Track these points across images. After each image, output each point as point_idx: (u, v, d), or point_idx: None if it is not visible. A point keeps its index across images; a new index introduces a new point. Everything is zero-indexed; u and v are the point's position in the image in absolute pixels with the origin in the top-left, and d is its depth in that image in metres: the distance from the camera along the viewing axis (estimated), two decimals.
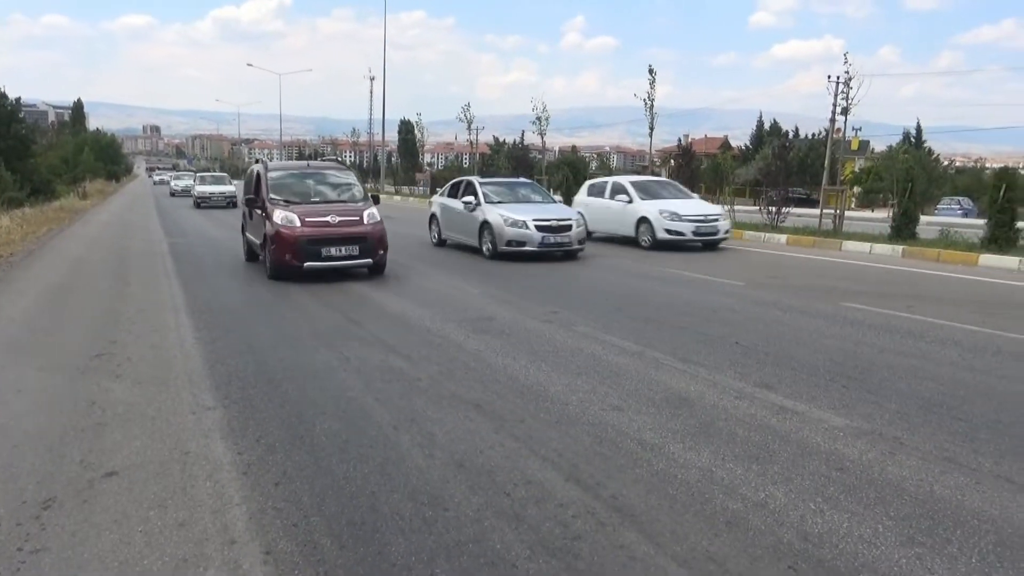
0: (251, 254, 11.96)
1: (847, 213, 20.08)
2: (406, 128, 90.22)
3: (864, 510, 3.34)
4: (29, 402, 4.85)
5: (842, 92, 19.56)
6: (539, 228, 12.59)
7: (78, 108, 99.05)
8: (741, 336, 6.87)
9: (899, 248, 15.15)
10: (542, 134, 31.89)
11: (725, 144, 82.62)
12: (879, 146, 64.73)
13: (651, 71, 24.44)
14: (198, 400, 4.85)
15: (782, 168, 20.69)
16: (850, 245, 16.21)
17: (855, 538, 3.08)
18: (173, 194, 43.04)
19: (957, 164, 77.25)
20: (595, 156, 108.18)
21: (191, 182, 45.34)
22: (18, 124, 42.67)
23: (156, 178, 55.17)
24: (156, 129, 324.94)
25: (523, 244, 12.57)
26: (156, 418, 4.49)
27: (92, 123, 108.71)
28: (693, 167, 24.11)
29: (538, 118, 31.28)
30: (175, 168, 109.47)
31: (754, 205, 34.96)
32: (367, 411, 4.66)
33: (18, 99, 44.29)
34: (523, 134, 75.07)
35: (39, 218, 22.13)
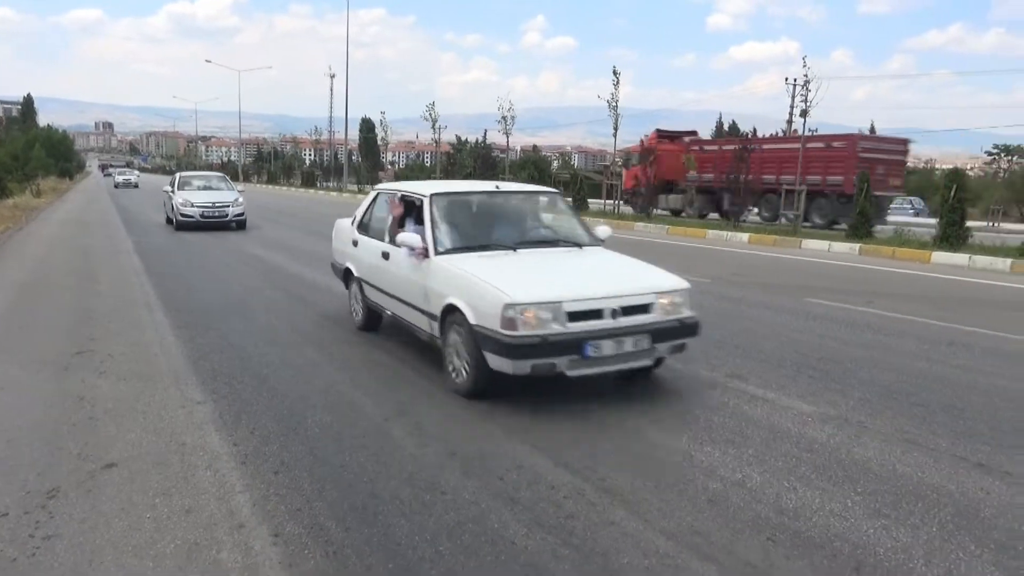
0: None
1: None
2: (367, 126, 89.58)
3: (834, 487, 3.59)
4: (16, 399, 4.87)
5: (800, 94, 19.99)
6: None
7: (28, 103, 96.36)
8: (710, 330, 7.11)
9: (856, 246, 15.67)
10: (507, 133, 32.01)
11: None
12: None
13: (615, 72, 24.72)
14: (186, 395, 4.92)
15: (743, 168, 21.12)
16: (810, 243, 16.70)
17: (827, 512, 3.32)
18: (116, 186, 51.54)
19: (909, 165, 79.40)
20: (558, 155, 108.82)
21: (132, 177, 56.07)
22: None
23: (120, 179, 55.54)
24: (109, 126, 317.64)
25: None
26: (147, 412, 4.56)
27: (43, 119, 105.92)
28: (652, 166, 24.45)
29: (503, 117, 31.38)
30: (129, 165, 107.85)
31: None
32: (357, 404, 4.79)
33: None
34: (485, 133, 75.25)
35: None
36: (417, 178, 46.32)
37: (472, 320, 4.63)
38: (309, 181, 66.39)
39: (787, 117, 45.28)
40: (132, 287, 9.36)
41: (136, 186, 52.17)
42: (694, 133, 30.75)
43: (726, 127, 76.90)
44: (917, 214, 35.37)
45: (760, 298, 9.18)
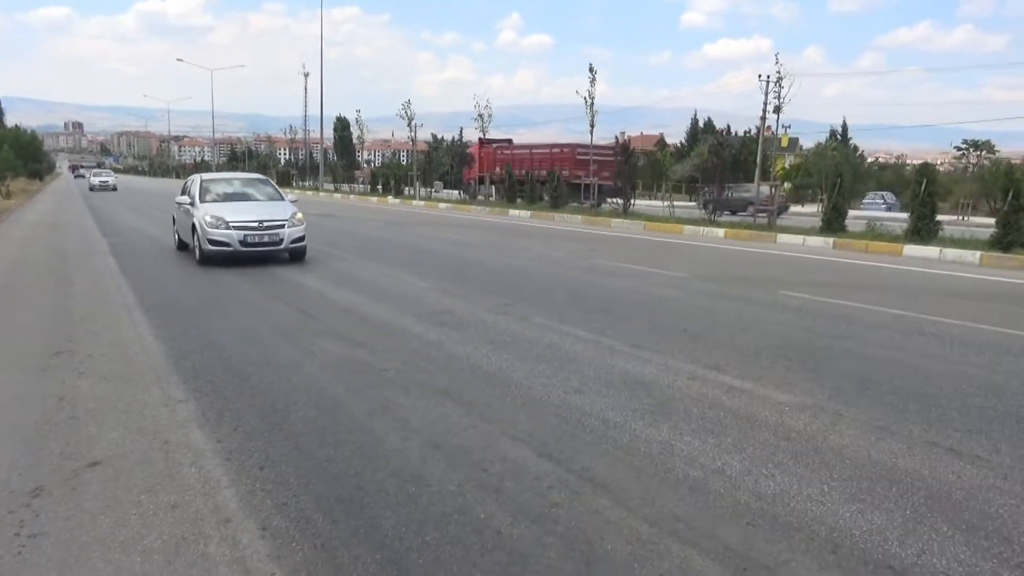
0: None
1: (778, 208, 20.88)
2: (342, 125, 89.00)
3: (811, 473, 3.67)
4: None
5: (773, 91, 20.26)
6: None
7: None
8: (689, 324, 7.23)
9: (830, 240, 15.91)
10: (484, 131, 32.04)
11: (661, 141, 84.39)
12: (806, 143, 67.04)
13: (591, 69, 24.88)
14: (168, 394, 4.90)
15: (718, 165, 21.38)
16: (784, 238, 16.92)
17: (804, 497, 3.40)
18: (92, 188, 48.62)
19: (880, 161, 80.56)
20: None
21: (109, 179, 52.50)
22: None
23: (96, 180, 51.61)
24: (79, 126, 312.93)
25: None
26: (129, 411, 4.55)
27: (10, 119, 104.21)
28: (632, 163, 24.64)
29: (480, 115, 31.41)
30: (100, 166, 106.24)
31: (690, 201, 35.92)
32: (338, 400, 4.81)
33: None
34: (461, 131, 75.10)
35: None
36: (394, 176, 46.10)
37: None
38: (285, 181, 65.92)
39: (760, 114, 45.64)
40: (108, 288, 9.28)
41: (114, 189, 49.34)
42: (509, 141, 41.47)
43: (701, 124, 77.39)
44: (889, 208, 35.94)
45: (736, 292, 9.30)
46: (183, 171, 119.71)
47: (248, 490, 3.44)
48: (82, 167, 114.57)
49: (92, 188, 48.73)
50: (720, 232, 18.49)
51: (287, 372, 5.44)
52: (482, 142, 38.45)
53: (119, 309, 7.84)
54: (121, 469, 3.68)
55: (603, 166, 30.15)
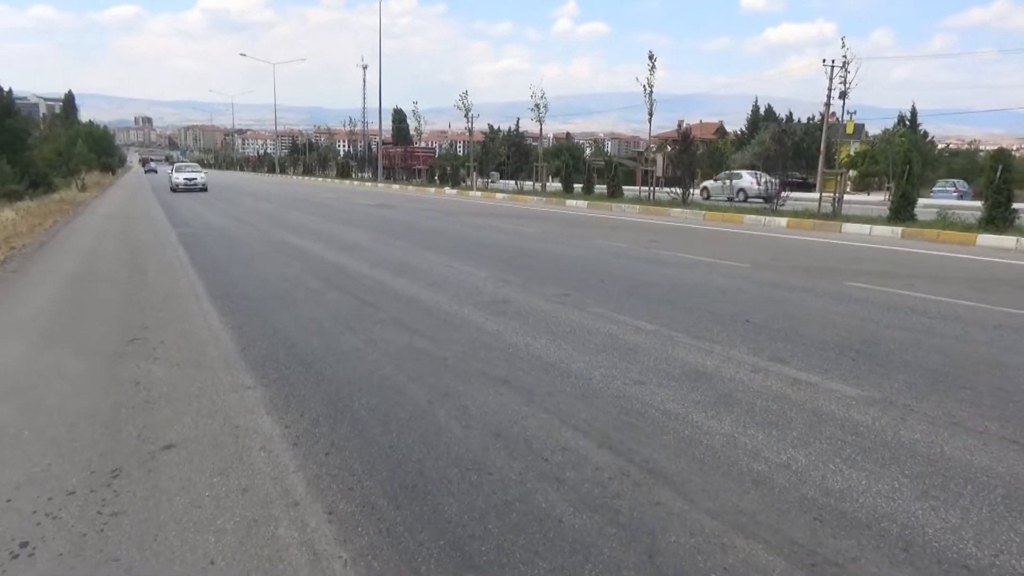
0: None
1: (844, 196, 20.31)
2: (399, 117, 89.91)
3: (880, 469, 3.58)
4: (74, 384, 5.06)
5: (839, 76, 19.65)
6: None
7: (69, 100, 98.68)
8: (751, 314, 7.10)
9: (898, 229, 15.41)
10: (540, 121, 31.98)
11: (720, 129, 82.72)
12: (872, 129, 65.01)
13: (651, 56, 24.55)
14: (237, 380, 5.06)
15: (781, 153, 20.89)
16: (850, 227, 16.46)
17: (874, 493, 3.32)
18: (175, 189, 36.48)
19: (951, 147, 77.57)
20: (592, 142, 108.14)
21: (198, 176, 38.34)
22: (13, 117, 42.64)
23: (180, 178, 37.75)
24: (148, 120, 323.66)
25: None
26: (200, 396, 4.70)
27: (83, 115, 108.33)
28: (691, 152, 24.23)
29: (536, 105, 31.35)
30: (168, 160, 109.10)
31: None
32: (400, 387, 4.88)
33: (10, 91, 44.26)
34: (518, 121, 75.03)
35: (42, 210, 22.25)
36: (451, 166, 46.40)
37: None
38: (344, 172, 67.00)
39: (824, 100, 44.35)
40: (178, 278, 9.59)
41: (204, 189, 37.06)
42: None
43: (762, 111, 75.63)
44: (961, 197, 34.61)
45: (799, 282, 9.09)
46: (246, 164, 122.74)
47: (315, 475, 3.53)
48: (152, 160, 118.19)
49: (175, 189, 36.49)
50: (782, 221, 18.07)
51: (349, 360, 5.55)
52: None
53: (189, 298, 8.10)
54: (194, 452, 3.81)
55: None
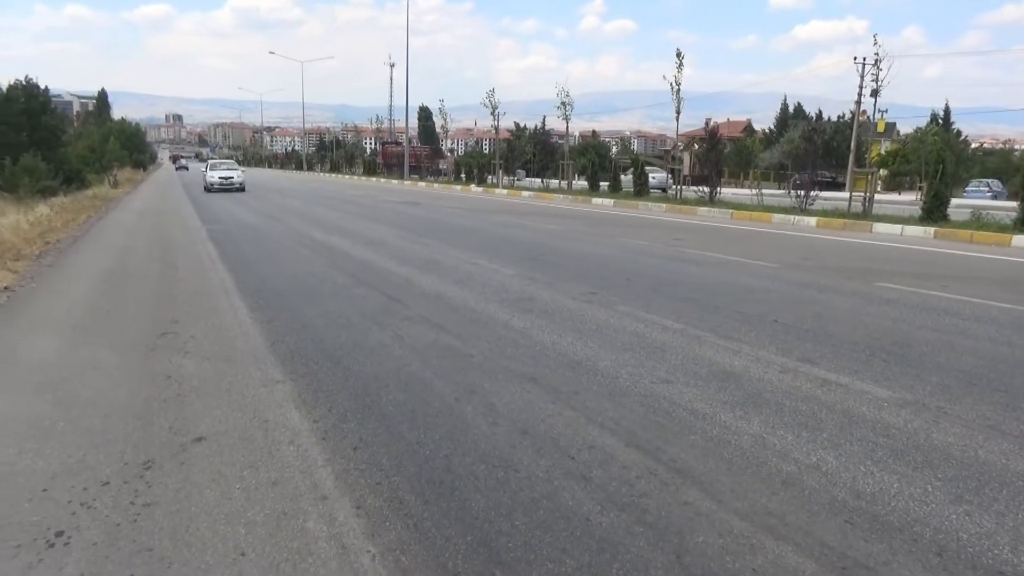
0: None
1: (875, 196, 20.02)
2: (425, 114, 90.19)
3: (912, 472, 3.53)
4: (108, 377, 5.14)
5: (870, 73, 19.38)
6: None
7: (102, 98, 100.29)
8: (779, 314, 7.03)
9: (931, 230, 15.16)
10: (567, 119, 31.91)
11: (748, 128, 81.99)
12: (904, 128, 64.01)
13: (679, 54, 24.36)
14: (266, 374, 5.11)
15: (810, 151, 20.64)
16: (881, 227, 16.23)
17: (906, 496, 3.27)
18: (209, 189, 32.99)
19: (985, 146, 76.10)
20: (619, 140, 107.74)
21: (234, 175, 34.45)
22: (49, 115, 43.39)
23: (215, 176, 33.92)
24: (178, 118, 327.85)
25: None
26: (231, 390, 4.76)
27: (116, 112, 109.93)
28: (719, 150, 24.03)
29: (562, 103, 31.28)
30: (198, 157, 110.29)
31: (779, 189, 34.86)
32: (427, 384, 4.90)
33: (46, 89, 45.00)
34: (544, 119, 74.90)
35: (75, 206, 22.64)
36: (477, 164, 46.45)
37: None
38: (371, 170, 67.37)
39: (855, 98, 43.73)
40: (208, 273, 9.72)
41: (241, 189, 33.56)
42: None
43: (791, 109, 74.78)
44: (995, 197, 33.93)
45: (829, 282, 8.98)
46: (274, 160, 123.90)
47: (343, 469, 3.56)
48: (182, 157, 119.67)
49: (209, 189, 32.88)
50: (811, 221, 17.86)
51: (377, 355, 5.58)
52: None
53: (219, 294, 8.21)
54: (225, 445, 3.86)
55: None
